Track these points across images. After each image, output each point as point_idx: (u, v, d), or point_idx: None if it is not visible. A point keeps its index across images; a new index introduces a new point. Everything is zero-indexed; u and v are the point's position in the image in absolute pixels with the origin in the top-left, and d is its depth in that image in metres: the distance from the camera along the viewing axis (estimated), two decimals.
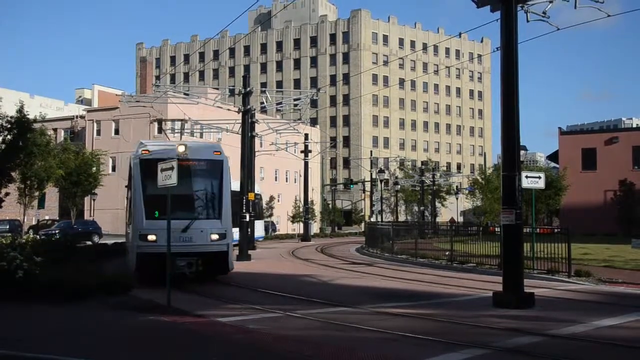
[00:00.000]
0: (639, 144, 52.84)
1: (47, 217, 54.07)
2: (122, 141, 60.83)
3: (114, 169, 61.33)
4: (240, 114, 30.54)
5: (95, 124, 67.17)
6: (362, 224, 69.03)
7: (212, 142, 42.79)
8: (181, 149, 14.46)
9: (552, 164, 64.96)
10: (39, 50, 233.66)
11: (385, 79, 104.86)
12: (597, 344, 9.44)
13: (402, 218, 75.71)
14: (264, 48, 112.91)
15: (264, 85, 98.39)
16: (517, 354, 8.77)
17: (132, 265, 16.84)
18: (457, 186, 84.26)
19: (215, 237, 16.74)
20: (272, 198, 66.20)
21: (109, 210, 56.63)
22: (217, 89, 73.04)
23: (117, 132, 64.76)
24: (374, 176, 68.27)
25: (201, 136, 53.88)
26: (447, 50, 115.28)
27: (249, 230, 29.78)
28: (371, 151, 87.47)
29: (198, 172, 17.63)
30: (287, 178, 78.24)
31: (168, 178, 13.14)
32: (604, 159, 53.10)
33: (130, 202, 18.64)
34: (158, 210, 16.09)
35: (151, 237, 16.22)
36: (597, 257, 25.45)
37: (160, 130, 58.60)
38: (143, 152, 17.14)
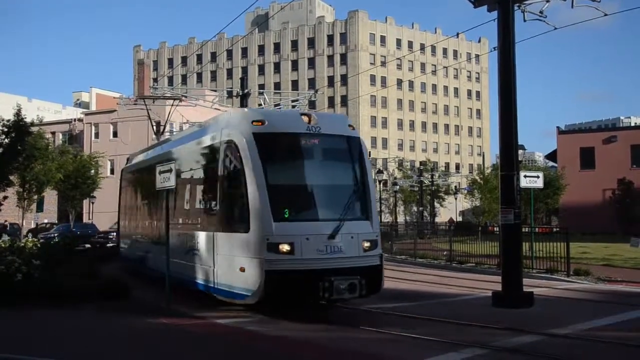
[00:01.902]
0: (637, 143, 52.90)
1: (46, 221, 54.07)
2: (120, 144, 60.80)
3: (112, 172, 61.26)
4: None
5: (93, 127, 67.16)
6: None
7: None
8: (306, 118, 11.72)
9: (551, 164, 65.09)
10: (36, 53, 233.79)
11: (383, 79, 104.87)
12: (596, 343, 9.45)
13: (401, 218, 75.72)
14: (261, 50, 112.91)
15: (261, 86, 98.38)
16: (516, 353, 8.77)
17: (248, 288, 11.23)
18: (455, 186, 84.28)
19: (367, 244, 11.68)
20: None
21: (108, 213, 56.58)
22: (215, 90, 73.09)
23: (115, 134, 64.75)
24: (372, 177, 68.17)
25: None
26: (445, 51, 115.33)
27: None
28: (370, 152, 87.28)
29: (334, 153, 12.57)
30: None
31: (166, 180, 13.12)
32: (603, 158, 53.15)
33: (189, 194, 14.68)
34: (288, 208, 11.42)
35: (285, 248, 10.92)
36: (595, 256, 25.47)
37: (157, 132, 58.57)
38: (255, 123, 11.81)
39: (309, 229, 11.18)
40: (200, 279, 13.15)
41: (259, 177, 11.32)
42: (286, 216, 11.32)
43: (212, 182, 13.06)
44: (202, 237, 13.16)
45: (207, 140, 13.50)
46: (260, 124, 11.88)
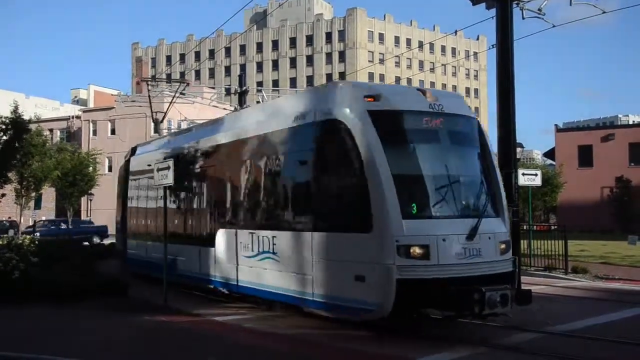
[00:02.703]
0: (635, 141, 52.93)
1: (43, 218, 53.98)
2: (118, 141, 60.73)
3: (110, 169, 61.22)
4: None
5: (91, 124, 67.05)
6: None
7: None
8: (424, 94, 10.13)
9: (549, 161, 65.08)
10: (34, 50, 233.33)
11: (382, 77, 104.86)
12: (594, 341, 9.45)
13: None
14: (259, 47, 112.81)
15: (260, 84, 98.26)
16: (515, 351, 8.77)
17: (373, 300, 9.06)
18: None
19: (502, 246, 9.86)
20: None
21: (106, 211, 56.56)
22: (213, 88, 73.05)
23: (113, 132, 64.66)
24: None
25: None
26: (443, 48, 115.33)
27: None
28: None
29: (460, 137, 10.49)
30: None
31: (164, 178, 13.11)
32: (601, 155, 53.18)
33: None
34: (416, 203, 9.54)
35: (417, 251, 8.95)
36: (593, 253, 25.49)
37: (156, 130, 58.54)
38: (368, 98, 9.80)
39: (445, 227, 9.28)
40: (287, 290, 10.75)
41: (382, 164, 9.16)
42: (414, 212, 9.39)
43: (302, 172, 10.69)
44: (288, 238, 10.79)
45: (287, 121, 11.05)
46: (373, 99, 9.83)
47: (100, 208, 56.37)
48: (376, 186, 9.13)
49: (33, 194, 37.55)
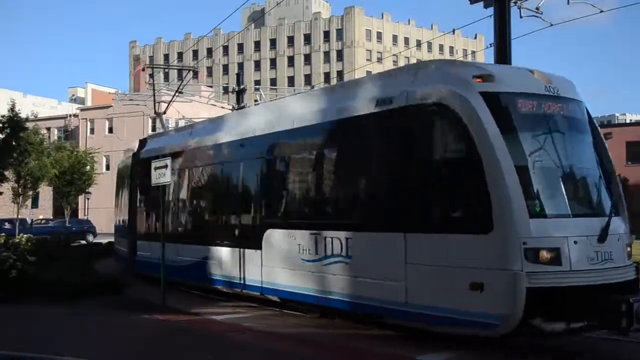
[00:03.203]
0: (633, 140, 53.03)
1: (41, 217, 53.93)
2: (116, 140, 60.68)
3: (107, 168, 61.17)
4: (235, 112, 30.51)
5: (88, 123, 67.01)
6: None
7: None
8: (536, 75, 8.97)
9: None
10: (31, 48, 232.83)
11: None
12: (593, 340, 9.45)
13: None
14: (257, 45, 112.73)
15: (257, 82, 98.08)
16: (514, 349, 8.76)
17: (499, 312, 7.79)
18: None
19: (628, 250, 8.84)
20: None
21: (103, 210, 56.52)
22: (211, 86, 72.98)
23: (110, 130, 64.61)
24: None
25: None
26: (441, 47, 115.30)
27: None
28: None
29: (577, 124, 9.25)
30: None
31: (162, 176, 13.06)
32: None
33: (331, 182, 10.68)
34: (540, 200, 8.30)
35: (547, 255, 7.78)
36: None
37: (154, 129, 58.54)
38: (478, 79, 8.52)
39: (575, 228, 8.11)
40: (363, 298, 9.41)
41: (504, 156, 7.93)
42: (539, 210, 8.14)
43: (390, 164, 9.44)
44: (369, 240, 9.48)
45: (366, 106, 9.69)
46: (484, 80, 8.53)
47: (98, 207, 56.35)
48: (498, 180, 7.87)
49: (30, 193, 37.50)
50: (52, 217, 55.08)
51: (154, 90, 23.73)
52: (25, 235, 21.73)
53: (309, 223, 10.65)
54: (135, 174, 18.32)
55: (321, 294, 10.20)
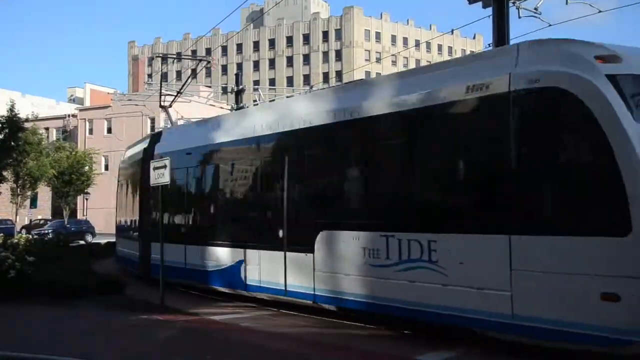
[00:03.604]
0: None
1: (39, 217, 53.92)
2: (115, 140, 60.66)
3: (106, 168, 61.16)
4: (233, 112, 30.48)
5: (87, 123, 67.01)
6: None
7: None
8: None
9: None
10: (30, 48, 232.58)
11: (378, 76, 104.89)
12: None
13: None
14: (256, 46, 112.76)
15: (256, 82, 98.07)
16: (513, 347, 8.76)
17: None
18: None
19: None
20: None
21: (102, 210, 56.50)
22: (210, 87, 73.01)
23: (109, 130, 64.59)
24: None
25: None
26: (440, 47, 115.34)
27: None
28: None
29: None
30: None
31: (161, 177, 13.02)
32: None
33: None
34: None
35: None
36: None
37: (153, 129, 58.53)
38: (600, 59, 7.59)
39: None
40: (454, 309, 8.44)
41: None
42: None
43: (489, 155, 8.45)
44: (463, 243, 8.43)
45: (455, 91, 8.69)
46: (607, 61, 7.55)
47: (97, 207, 56.33)
48: (636, 175, 6.92)
49: (29, 193, 37.51)
50: (50, 218, 55.06)
51: (160, 80, 23.26)
52: (24, 236, 21.72)
53: (379, 224, 9.53)
54: (147, 170, 15.72)
55: (396, 302, 9.15)
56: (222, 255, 13.14)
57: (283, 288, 11.29)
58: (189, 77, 21.50)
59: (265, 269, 11.78)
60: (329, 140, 10.81)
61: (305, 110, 11.59)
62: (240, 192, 13.46)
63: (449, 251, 8.49)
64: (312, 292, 10.59)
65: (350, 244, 9.84)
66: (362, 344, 9.23)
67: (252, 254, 12.12)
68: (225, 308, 12.51)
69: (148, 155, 16.61)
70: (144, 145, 17.82)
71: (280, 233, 11.38)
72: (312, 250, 10.52)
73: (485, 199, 8.39)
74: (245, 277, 12.29)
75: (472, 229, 8.32)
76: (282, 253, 11.24)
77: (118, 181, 22.26)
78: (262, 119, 12.51)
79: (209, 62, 23.58)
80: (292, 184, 11.38)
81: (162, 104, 20.24)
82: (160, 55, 24.18)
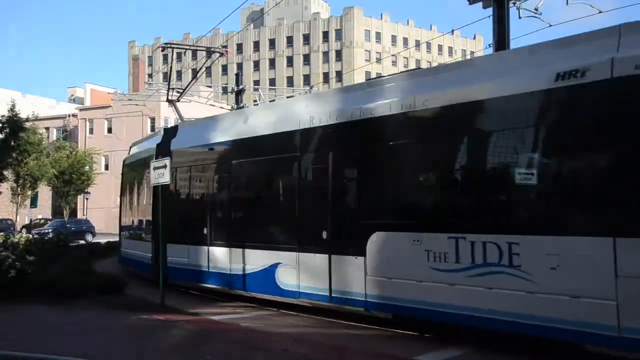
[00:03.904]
0: None
1: (40, 216, 53.92)
2: (115, 140, 60.67)
3: (106, 168, 61.17)
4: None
5: (87, 123, 67.01)
6: None
7: None
8: None
9: None
10: (30, 48, 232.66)
11: (378, 76, 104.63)
12: None
13: None
14: (256, 46, 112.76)
15: (257, 82, 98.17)
16: (513, 347, 8.77)
17: None
18: None
19: None
20: None
21: (102, 209, 56.52)
22: (210, 86, 73.01)
23: (109, 130, 64.60)
24: None
25: None
26: (440, 47, 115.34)
27: None
28: None
29: None
30: None
31: (161, 177, 13.01)
32: None
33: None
34: None
35: None
36: None
37: (153, 129, 58.54)
38: None
39: None
40: (543, 319, 7.60)
41: None
42: None
43: (585, 148, 7.66)
44: (553, 245, 7.57)
45: (542, 80, 7.85)
46: None
47: (97, 207, 56.34)
48: None
49: (29, 193, 37.53)
50: (50, 217, 55.08)
51: (169, 73, 22.82)
52: (24, 235, 21.72)
53: (446, 224, 8.78)
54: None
55: (465, 311, 8.37)
56: (253, 257, 12.13)
57: (327, 294, 10.42)
58: (198, 70, 21.04)
59: (305, 273, 10.85)
60: (387, 132, 9.77)
61: (346, 103, 10.75)
62: (277, 189, 12.31)
63: (534, 255, 7.68)
64: (364, 299, 9.76)
65: (410, 246, 9.03)
66: (364, 344, 9.22)
67: (289, 257, 11.14)
68: (225, 308, 12.52)
69: (162, 151, 15.48)
70: (157, 140, 16.83)
71: (324, 234, 10.51)
72: (363, 253, 9.70)
73: (585, 198, 7.55)
74: (281, 281, 11.41)
75: (567, 231, 7.52)
76: (327, 256, 10.37)
77: (122, 180, 21.49)
78: (311, 111, 11.31)
79: (222, 54, 22.43)
80: (339, 180, 10.51)
81: (170, 98, 19.35)
82: (171, 46, 21.36)
